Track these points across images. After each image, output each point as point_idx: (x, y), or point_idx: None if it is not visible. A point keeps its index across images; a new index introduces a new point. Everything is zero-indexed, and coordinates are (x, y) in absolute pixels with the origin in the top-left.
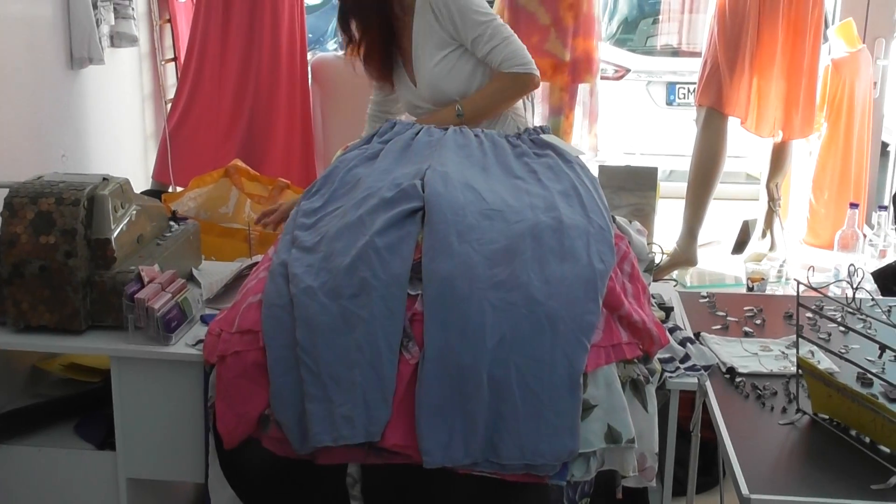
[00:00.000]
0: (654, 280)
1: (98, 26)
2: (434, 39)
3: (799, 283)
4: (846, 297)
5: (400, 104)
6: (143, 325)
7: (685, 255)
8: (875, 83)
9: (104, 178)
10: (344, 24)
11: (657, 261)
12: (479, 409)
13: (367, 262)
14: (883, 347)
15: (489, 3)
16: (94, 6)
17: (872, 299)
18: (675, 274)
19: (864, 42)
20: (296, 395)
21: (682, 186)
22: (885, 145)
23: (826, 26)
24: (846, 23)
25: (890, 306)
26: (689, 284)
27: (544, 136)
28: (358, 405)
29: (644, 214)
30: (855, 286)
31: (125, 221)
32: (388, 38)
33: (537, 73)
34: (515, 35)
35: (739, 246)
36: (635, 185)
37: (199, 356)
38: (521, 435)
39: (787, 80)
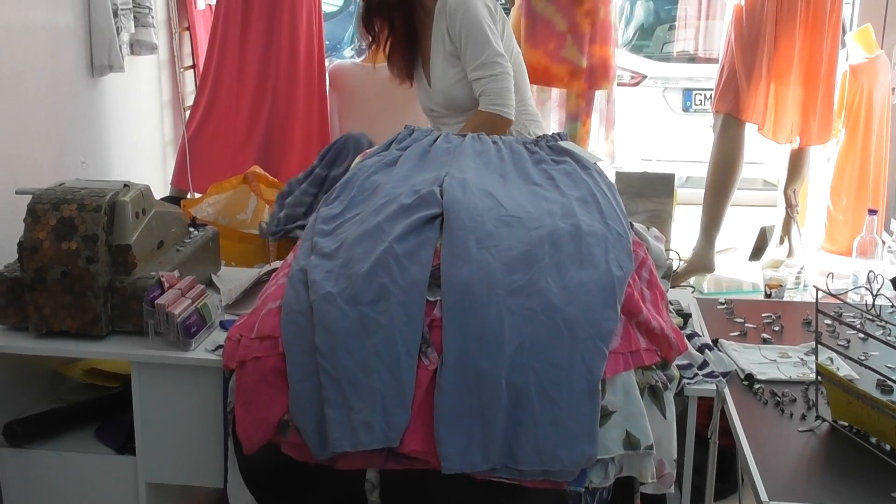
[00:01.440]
0: (672, 286)
1: (118, 34)
2: (447, 48)
3: (818, 289)
4: (865, 304)
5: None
6: (164, 330)
7: (702, 262)
8: (893, 89)
9: (125, 185)
10: (367, 22)
11: (674, 267)
12: (497, 415)
13: (387, 269)
14: None
15: (506, 9)
16: (115, 14)
17: (892, 306)
18: (692, 280)
19: (882, 48)
20: (315, 401)
21: (699, 193)
22: None
23: (844, 32)
24: (864, 28)
25: None
26: (706, 291)
27: (562, 143)
28: (377, 411)
29: (661, 221)
30: (875, 293)
31: (145, 227)
32: (410, 38)
33: (510, 116)
34: (510, 74)
35: (757, 252)
36: (652, 192)
37: (218, 361)
38: (540, 441)
39: (804, 87)
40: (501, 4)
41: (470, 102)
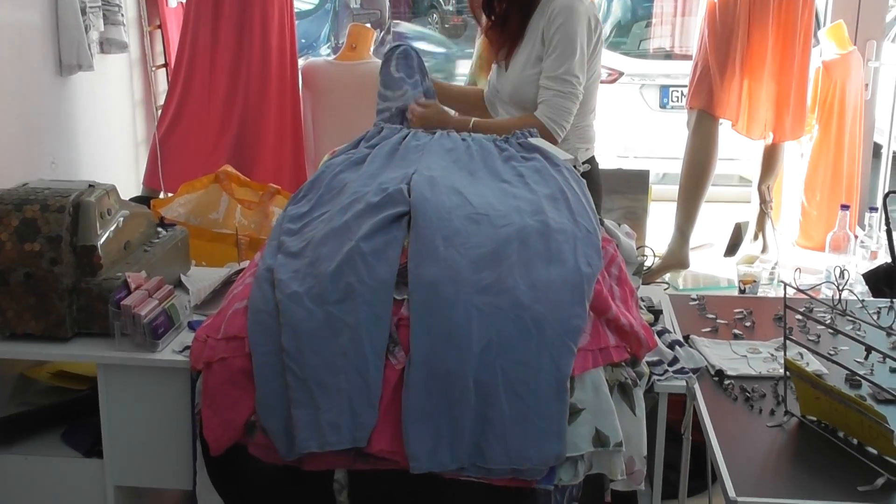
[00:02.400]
0: (647, 283)
1: (87, 32)
2: (536, 48)
3: (786, 285)
4: (834, 299)
5: None
6: (130, 331)
7: (677, 258)
8: (866, 85)
9: (90, 185)
10: (487, 3)
11: (649, 264)
12: (465, 414)
13: (353, 268)
14: (870, 349)
15: None
16: (83, 12)
17: (861, 301)
18: (667, 277)
19: (854, 44)
20: (282, 402)
21: (675, 189)
22: (876, 147)
23: (817, 28)
24: (837, 25)
25: (879, 308)
26: (681, 287)
27: (532, 140)
28: (344, 411)
29: (636, 217)
30: (841, 288)
31: (112, 228)
32: (521, 26)
33: (559, 137)
34: (578, 99)
35: (732, 248)
36: (627, 189)
37: (186, 363)
38: (508, 439)
39: (777, 83)
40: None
41: (534, 104)
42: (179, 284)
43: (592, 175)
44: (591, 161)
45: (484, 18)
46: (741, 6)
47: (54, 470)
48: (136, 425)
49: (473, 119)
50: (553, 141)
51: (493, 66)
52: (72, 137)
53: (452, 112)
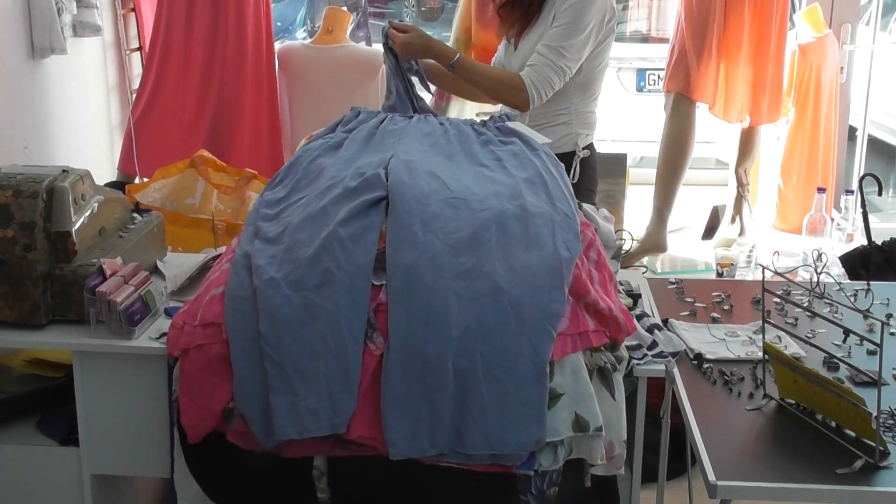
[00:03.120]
0: (625, 267)
1: (60, 15)
2: (547, 28)
3: (764, 268)
4: (811, 282)
5: None
6: (106, 318)
7: (655, 242)
8: (841, 68)
9: (64, 171)
10: None
11: (627, 247)
12: (444, 400)
13: (331, 253)
14: (847, 332)
15: None
16: None
17: (838, 284)
18: (645, 260)
19: (830, 27)
20: (260, 388)
21: (652, 173)
22: (852, 130)
23: (792, 11)
24: (812, 8)
25: (856, 290)
26: (659, 270)
27: (510, 124)
28: (322, 397)
29: (614, 201)
30: (819, 271)
31: (86, 214)
32: (535, 5)
33: (531, 104)
34: (566, 77)
35: (709, 231)
36: (605, 172)
37: (162, 350)
38: (488, 425)
39: (753, 66)
40: None
41: None
42: (155, 270)
43: (590, 161)
44: (590, 147)
45: None
46: None
47: (29, 459)
48: (112, 413)
49: (459, 54)
50: (522, 102)
51: (502, 44)
52: (45, 122)
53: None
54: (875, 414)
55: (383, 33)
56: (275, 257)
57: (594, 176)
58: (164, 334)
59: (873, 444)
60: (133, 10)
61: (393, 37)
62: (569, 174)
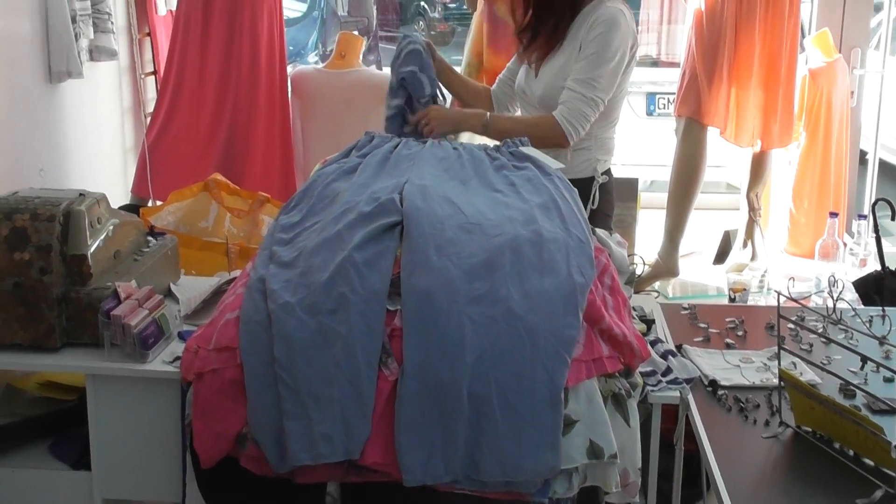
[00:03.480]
0: (637, 291)
1: (77, 40)
2: (574, 55)
3: (779, 294)
4: (827, 308)
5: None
6: (120, 342)
7: (667, 266)
8: (852, 92)
9: (80, 194)
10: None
11: (639, 272)
12: (459, 426)
13: (346, 278)
14: (865, 359)
15: (468, 14)
16: (73, 20)
17: (853, 310)
18: (657, 285)
19: (840, 52)
20: (274, 413)
21: (663, 197)
22: (863, 154)
23: (802, 36)
24: (822, 33)
25: (871, 316)
26: (671, 295)
27: (523, 149)
28: (337, 423)
29: (625, 225)
30: (835, 297)
31: (102, 237)
32: (559, 32)
33: (571, 140)
34: (599, 109)
35: (721, 256)
36: (616, 196)
37: (176, 373)
38: (502, 451)
39: (764, 90)
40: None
41: None
42: (169, 294)
43: (608, 187)
44: (608, 172)
45: (519, 17)
46: (728, 14)
47: (41, 482)
48: (124, 437)
49: (489, 113)
50: (562, 141)
51: (523, 69)
52: (61, 145)
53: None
54: (894, 443)
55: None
56: (290, 282)
57: (611, 201)
58: (177, 358)
59: (893, 474)
60: (148, 34)
61: (427, 123)
62: (588, 199)
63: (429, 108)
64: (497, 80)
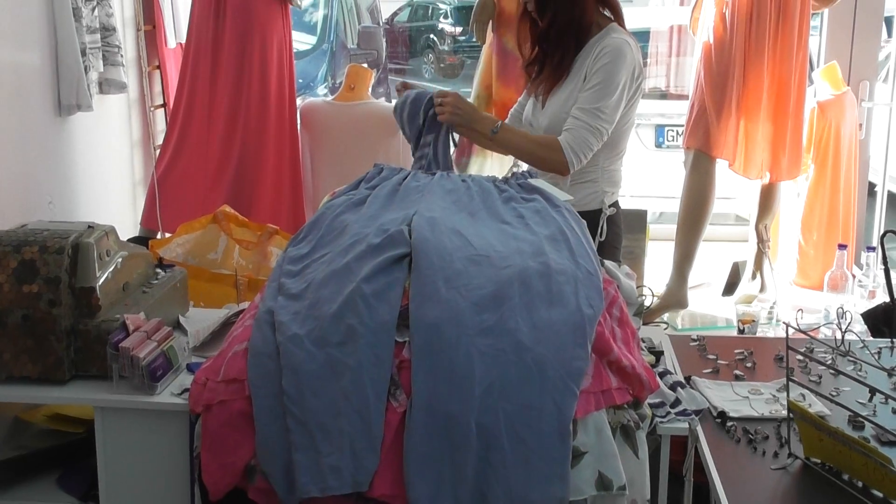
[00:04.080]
0: (646, 323)
1: (87, 73)
2: (579, 86)
3: (788, 325)
4: (835, 340)
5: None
6: (128, 374)
7: (676, 298)
8: (860, 125)
9: (89, 226)
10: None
11: (647, 303)
12: (467, 458)
13: (354, 309)
14: (873, 391)
15: (478, 47)
16: (83, 53)
17: (861, 341)
18: (666, 316)
19: (848, 84)
20: (282, 445)
21: (672, 228)
22: (871, 186)
23: (811, 69)
24: (831, 66)
25: (880, 348)
26: (680, 327)
27: (532, 181)
28: (345, 454)
29: (634, 257)
30: (844, 329)
31: (110, 269)
32: (564, 64)
33: (573, 168)
34: (603, 139)
35: (730, 288)
36: (625, 228)
37: (184, 405)
38: (511, 483)
39: (773, 123)
40: (471, 41)
41: None
42: (178, 326)
43: (615, 219)
44: (616, 204)
45: (527, 51)
46: (737, 47)
47: None
48: (133, 469)
49: (501, 122)
50: (563, 167)
51: (530, 101)
52: (70, 177)
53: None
54: None
55: (415, 101)
56: (298, 313)
57: (619, 233)
58: (186, 390)
59: None
60: (158, 67)
61: (442, 103)
62: (596, 232)
63: (450, 93)
64: (509, 115)
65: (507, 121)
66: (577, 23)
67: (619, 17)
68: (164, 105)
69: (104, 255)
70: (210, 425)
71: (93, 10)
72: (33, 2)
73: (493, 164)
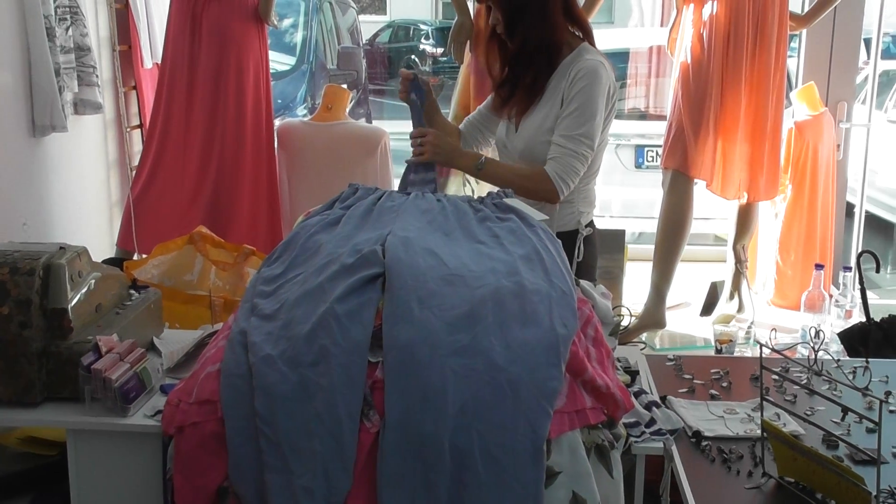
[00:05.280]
0: (624, 343)
1: (61, 93)
2: (554, 109)
3: (762, 345)
4: (809, 359)
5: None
6: (101, 396)
7: (654, 318)
8: (838, 145)
9: (61, 247)
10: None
11: (625, 323)
12: (440, 479)
13: (327, 330)
14: (846, 410)
15: (455, 67)
16: (57, 73)
17: (836, 361)
18: (644, 336)
19: (826, 105)
20: (255, 467)
21: (651, 249)
22: (849, 207)
23: (789, 89)
24: (808, 86)
25: (855, 367)
26: (658, 347)
27: (507, 200)
28: (318, 475)
29: (612, 277)
30: (817, 349)
31: (83, 290)
32: (537, 86)
33: (562, 196)
34: (588, 162)
35: (708, 308)
36: (603, 248)
37: (157, 427)
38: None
39: (751, 143)
40: (452, 63)
41: (543, 162)
42: (152, 347)
43: (591, 238)
44: (591, 224)
45: (496, 73)
46: (714, 68)
47: None
48: (106, 491)
49: (484, 156)
50: (553, 196)
51: (502, 124)
52: (45, 199)
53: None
54: (875, 493)
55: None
56: (271, 334)
57: (594, 252)
58: (159, 412)
59: None
60: (134, 87)
61: (422, 143)
62: (573, 252)
63: (429, 131)
64: (466, 121)
65: (462, 126)
66: (548, 43)
67: (589, 37)
68: (140, 126)
69: (76, 276)
70: (182, 447)
71: (67, 29)
72: (5, 22)
73: (471, 184)
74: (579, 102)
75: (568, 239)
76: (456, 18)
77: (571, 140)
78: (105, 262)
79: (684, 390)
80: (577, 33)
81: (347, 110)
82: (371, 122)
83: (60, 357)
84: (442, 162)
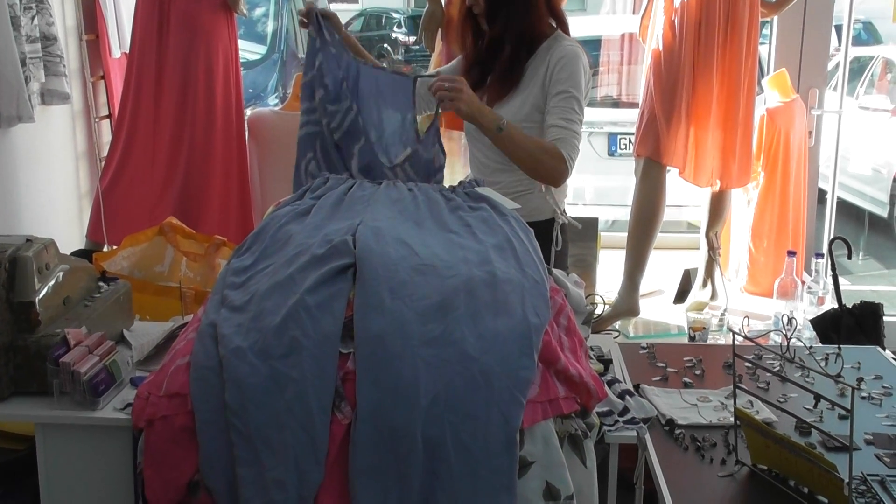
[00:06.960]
0: (598, 331)
1: (27, 83)
2: (534, 97)
3: (734, 332)
4: (782, 347)
5: None
6: (69, 389)
7: (627, 306)
8: (810, 132)
9: (28, 240)
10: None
11: (599, 312)
12: (413, 470)
13: (298, 321)
14: (818, 397)
15: (427, 56)
16: (23, 63)
17: (808, 348)
18: (618, 324)
19: (797, 92)
20: (226, 460)
21: (624, 236)
22: (821, 193)
23: (760, 76)
24: (780, 73)
25: (827, 354)
26: (632, 335)
27: (479, 189)
28: (290, 468)
29: (586, 265)
30: (790, 336)
31: (51, 283)
32: (515, 70)
33: (571, 171)
34: (581, 136)
35: (681, 295)
36: (576, 236)
37: (127, 421)
38: (457, 495)
39: (723, 130)
40: (424, 51)
41: None
42: (122, 340)
43: (565, 227)
44: (564, 213)
45: (468, 46)
46: (685, 55)
47: None
48: (75, 486)
49: (505, 119)
50: (564, 171)
51: None
52: (12, 190)
53: None
54: (847, 480)
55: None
56: (241, 326)
57: (567, 241)
58: (128, 405)
59: None
60: (102, 77)
61: (450, 90)
62: (549, 241)
63: (458, 79)
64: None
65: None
66: (530, 33)
67: (563, 26)
68: (109, 116)
69: (43, 268)
70: (153, 441)
71: (32, 18)
72: None
73: (462, 174)
74: (569, 86)
75: (545, 228)
76: (427, 7)
77: (569, 122)
78: (75, 253)
79: (658, 378)
80: (552, 23)
81: None
82: None
83: (28, 351)
84: (465, 116)
